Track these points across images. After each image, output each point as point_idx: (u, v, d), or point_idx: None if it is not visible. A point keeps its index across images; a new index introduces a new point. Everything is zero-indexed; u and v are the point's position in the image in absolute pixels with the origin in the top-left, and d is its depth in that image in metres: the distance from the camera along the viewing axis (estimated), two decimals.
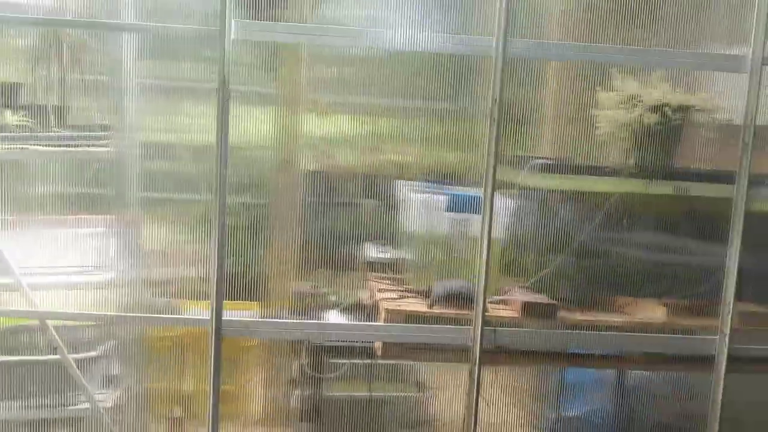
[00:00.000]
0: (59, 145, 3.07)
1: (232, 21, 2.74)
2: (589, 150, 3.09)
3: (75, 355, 3.05)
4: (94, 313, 3.03)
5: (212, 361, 2.81)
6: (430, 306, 2.97)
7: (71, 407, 3.09)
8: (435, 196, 3.22)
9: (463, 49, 2.86)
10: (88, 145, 3.10)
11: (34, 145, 3.04)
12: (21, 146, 3.01)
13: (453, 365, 3.03)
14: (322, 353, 3.27)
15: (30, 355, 3.07)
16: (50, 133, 3.07)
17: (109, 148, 3.11)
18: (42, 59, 3.06)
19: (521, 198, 3.09)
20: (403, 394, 3.37)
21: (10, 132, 3.01)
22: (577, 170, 3.09)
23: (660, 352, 3.03)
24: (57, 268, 3.07)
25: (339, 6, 3.09)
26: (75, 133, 3.09)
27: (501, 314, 2.97)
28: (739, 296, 2.93)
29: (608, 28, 2.94)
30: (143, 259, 3.14)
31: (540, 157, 3.12)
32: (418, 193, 3.20)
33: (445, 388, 3.30)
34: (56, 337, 2.98)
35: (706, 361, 2.96)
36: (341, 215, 3.12)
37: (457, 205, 3.16)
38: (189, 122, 3.06)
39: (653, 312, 3.03)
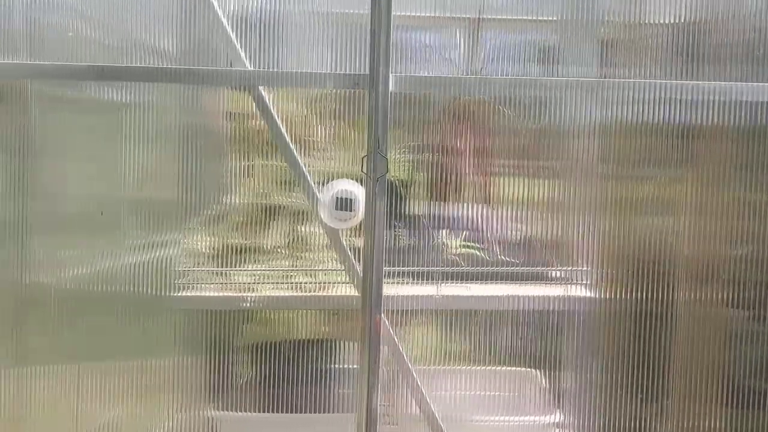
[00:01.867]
0: (499, 281, 2.05)
1: None
2: None
3: None
4: None
5: None
6: None
7: None
8: None
9: None
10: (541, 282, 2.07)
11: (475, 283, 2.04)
12: (463, 286, 2.02)
13: None
14: None
15: None
16: (494, 268, 2.06)
17: (567, 292, 2.07)
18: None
19: None
20: None
21: (449, 266, 2.02)
22: None
23: None
24: None
25: None
26: (528, 269, 2.06)
27: None
28: None
29: None
30: None
31: None
32: None
33: None
34: None
35: None
36: None
37: None
38: None
39: None
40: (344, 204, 1.83)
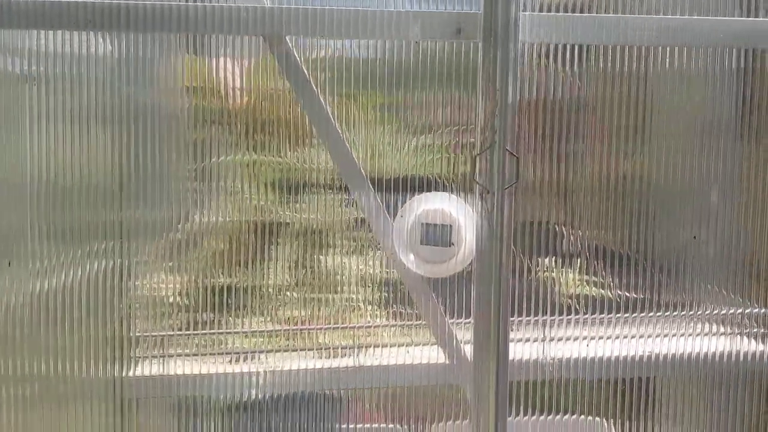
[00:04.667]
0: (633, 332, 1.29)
1: None
2: None
3: None
4: None
5: None
6: None
7: None
8: None
9: None
10: None
11: None
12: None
13: None
14: None
15: None
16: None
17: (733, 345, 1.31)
18: None
19: None
20: None
21: (559, 314, 1.24)
22: None
23: None
24: None
25: None
26: None
27: None
28: None
29: None
30: None
31: None
32: None
33: None
34: None
35: None
36: None
37: None
38: None
39: None
40: (438, 235, 1.07)
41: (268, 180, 1.31)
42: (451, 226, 1.12)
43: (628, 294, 1.28)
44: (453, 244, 1.12)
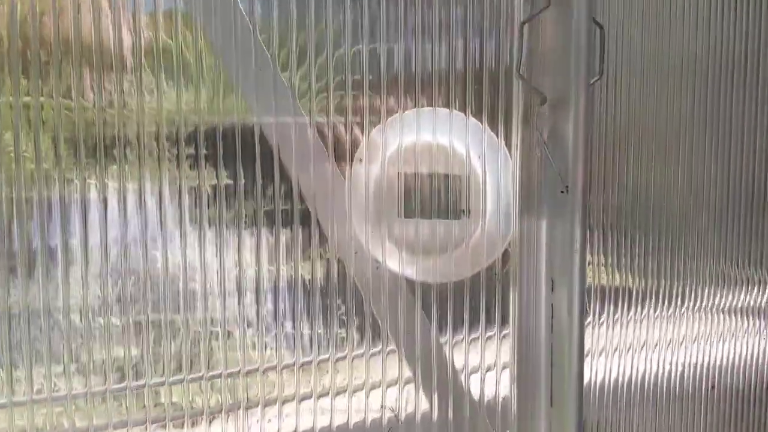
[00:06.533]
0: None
1: None
2: None
3: None
4: None
5: None
6: None
7: None
8: None
9: None
10: None
11: None
12: None
13: None
14: None
15: None
16: None
17: None
18: None
19: None
20: None
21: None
22: None
23: None
24: None
25: None
26: None
27: None
28: None
29: None
30: None
31: None
32: None
33: None
34: None
35: None
36: None
37: None
38: None
39: None
40: (435, 198, 0.56)
41: (61, 134, 0.75)
42: (461, 177, 0.55)
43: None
44: (466, 213, 0.55)
